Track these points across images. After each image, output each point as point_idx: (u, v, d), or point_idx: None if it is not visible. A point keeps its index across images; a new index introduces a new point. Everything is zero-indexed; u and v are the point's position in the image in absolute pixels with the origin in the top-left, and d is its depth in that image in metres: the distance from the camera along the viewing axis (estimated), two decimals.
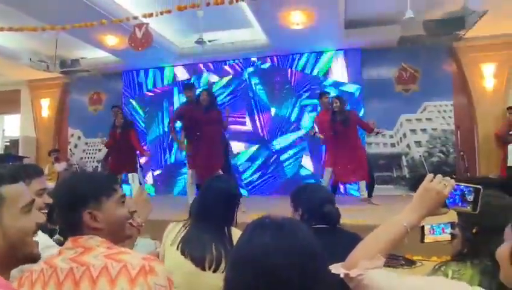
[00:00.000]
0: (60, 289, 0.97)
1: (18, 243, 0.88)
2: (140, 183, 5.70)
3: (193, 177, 5.08)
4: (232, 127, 6.78)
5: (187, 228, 1.69)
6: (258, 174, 7.10)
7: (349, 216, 4.07)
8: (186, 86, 5.37)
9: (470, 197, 1.00)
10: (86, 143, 8.24)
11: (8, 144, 8.84)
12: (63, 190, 1.14)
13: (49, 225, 1.73)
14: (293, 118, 7.03)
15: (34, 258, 0.94)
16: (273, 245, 0.78)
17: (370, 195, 5.24)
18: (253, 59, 7.23)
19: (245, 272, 0.79)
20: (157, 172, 7.69)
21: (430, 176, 1.02)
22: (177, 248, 1.62)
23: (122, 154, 5.76)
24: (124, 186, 5.59)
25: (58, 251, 1.07)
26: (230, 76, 7.40)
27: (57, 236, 1.78)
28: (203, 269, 1.57)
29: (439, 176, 1.01)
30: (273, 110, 7.13)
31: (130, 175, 5.89)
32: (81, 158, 8.23)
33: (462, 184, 1.02)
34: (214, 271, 1.57)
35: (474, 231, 1.26)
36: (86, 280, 0.97)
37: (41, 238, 1.03)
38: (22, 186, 0.97)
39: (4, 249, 0.86)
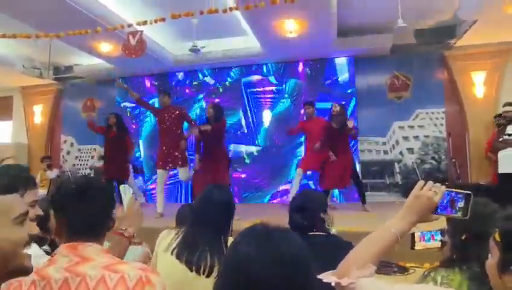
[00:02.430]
0: None
1: (9, 255, 0.85)
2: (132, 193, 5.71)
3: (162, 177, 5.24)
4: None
5: (181, 236, 1.69)
6: (254, 180, 7.09)
7: (342, 223, 4.09)
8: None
9: (461, 203, 1.00)
10: (79, 150, 8.17)
11: None
12: None
13: (41, 233, 1.71)
14: (289, 124, 7.05)
15: (26, 271, 0.90)
16: (257, 254, 0.76)
17: (363, 201, 5.23)
18: (248, 67, 7.24)
19: (230, 280, 0.78)
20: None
21: (420, 183, 1.02)
22: (172, 253, 1.62)
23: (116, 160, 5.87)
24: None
25: (50, 258, 1.04)
26: (225, 84, 7.41)
27: (45, 247, 1.75)
28: (198, 273, 1.57)
29: (429, 182, 1.01)
30: (267, 118, 7.15)
31: (121, 187, 5.95)
32: (74, 165, 8.16)
33: (452, 190, 1.01)
34: (207, 277, 1.56)
35: (463, 237, 1.28)
36: None
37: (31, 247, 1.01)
38: (15, 197, 0.94)
39: None
